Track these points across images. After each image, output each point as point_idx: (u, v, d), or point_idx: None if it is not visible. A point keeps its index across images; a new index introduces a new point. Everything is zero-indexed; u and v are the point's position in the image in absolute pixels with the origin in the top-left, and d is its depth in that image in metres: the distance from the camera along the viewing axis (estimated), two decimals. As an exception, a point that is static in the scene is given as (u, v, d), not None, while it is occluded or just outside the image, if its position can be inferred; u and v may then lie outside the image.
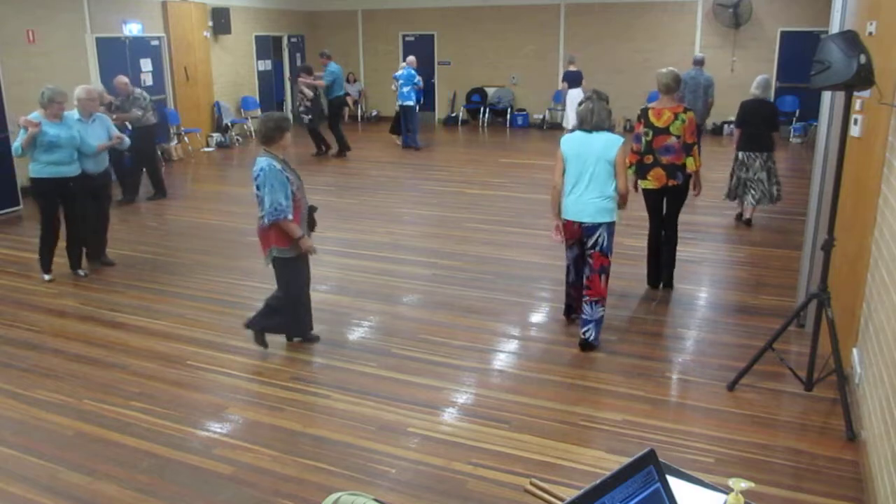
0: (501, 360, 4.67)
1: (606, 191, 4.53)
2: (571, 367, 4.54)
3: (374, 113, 16.88)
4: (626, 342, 4.86)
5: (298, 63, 15.35)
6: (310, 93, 11.73)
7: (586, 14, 14.87)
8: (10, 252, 7.12)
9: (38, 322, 5.33)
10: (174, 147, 12.22)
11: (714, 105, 11.33)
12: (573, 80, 13.02)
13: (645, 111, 5.47)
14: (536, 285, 5.93)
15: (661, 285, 5.81)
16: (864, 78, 3.29)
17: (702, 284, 6.01)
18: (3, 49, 9.07)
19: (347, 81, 16.64)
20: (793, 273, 5.68)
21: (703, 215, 7.83)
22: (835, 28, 4.48)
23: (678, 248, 5.77)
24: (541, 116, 15.55)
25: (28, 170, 6.02)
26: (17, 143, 5.81)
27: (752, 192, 7.49)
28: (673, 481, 1.44)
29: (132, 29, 11.47)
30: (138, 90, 9.00)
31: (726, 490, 1.53)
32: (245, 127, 14.35)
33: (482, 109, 15.95)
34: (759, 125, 7.33)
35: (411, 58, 13.25)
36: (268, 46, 15.37)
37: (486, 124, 15.94)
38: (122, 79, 8.87)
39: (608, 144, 4.51)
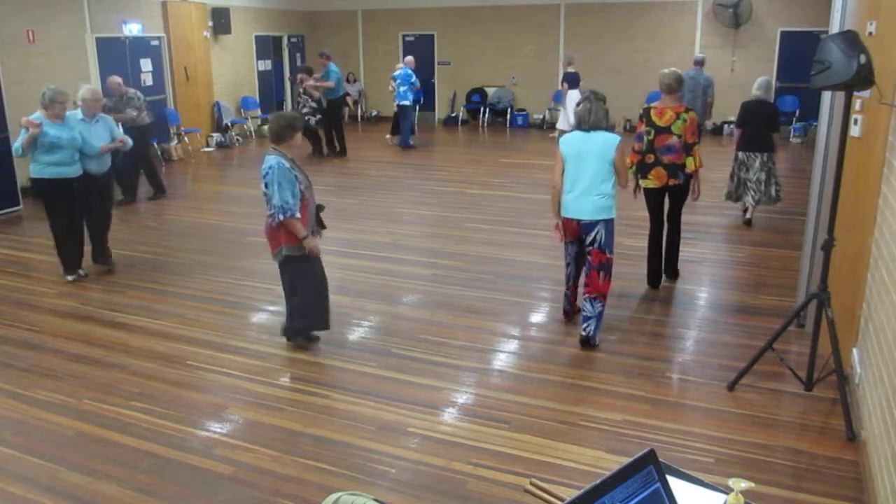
0: (501, 360, 4.67)
1: (605, 189, 4.58)
2: (571, 367, 4.55)
3: (374, 113, 16.88)
4: (626, 342, 4.86)
5: (298, 63, 15.36)
6: (317, 94, 11.74)
7: (586, 14, 14.87)
8: (10, 252, 7.12)
9: (38, 322, 5.33)
10: (174, 147, 12.22)
11: (714, 105, 11.36)
12: (572, 81, 13.03)
13: (647, 110, 5.51)
14: (536, 285, 5.93)
15: (668, 276, 5.90)
16: (864, 78, 3.29)
17: (702, 284, 6.01)
18: (3, 49, 9.08)
19: (347, 81, 16.65)
20: (793, 273, 5.68)
21: (703, 215, 7.83)
22: (835, 28, 4.48)
23: (680, 247, 5.81)
24: (541, 116, 15.56)
25: (29, 170, 6.01)
26: (17, 144, 5.80)
27: (752, 192, 7.52)
28: (673, 481, 1.44)
29: (132, 29, 11.47)
30: (132, 90, 8.95)
31: (726, 490, 1.53)
32: (245, 127, 14.35)
33: (482, 109, 15.95)
34: (759, 126, 7.36)
35: (409, 58, 13.26)
36: (268, 46, 15.37)
37: (486, 124, 15.94)
38: (115, 79, 8.81)
39: (606, 143, 4.56)
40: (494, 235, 7.40)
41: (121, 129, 8.16)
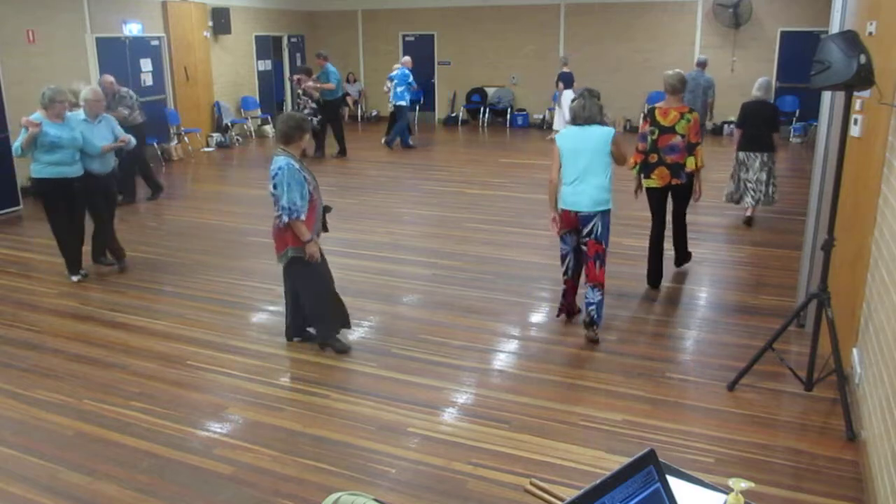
0: (501, 360, 4.67)
1: (602, 182, 4.70)
2: (571, 367, 4.55)
3: (374, 113, 16.89)
4: (626, 342, 4.86)
5: (298, 63, 15.36)
6: (316, 94, 11.74)
7: (586, 14, 14.86)
8: (10, 252, 7.12)
9: (38, 322, 5.33)
10: (174, 147, 12.22)
11: (714, 106, 11.36)
12: (567, 80, 13.09)
13: (652, 110, 5.59)
14: (536, 285, 5.93)
15: (680, 264, 6.12)
16: (864, 78, 3.29)
17: (702, 284, 6.01)
18: (3, 49, 9.08)
19: (347, 81, 16.66)
20: (793, 273, 5.68)
21: (703, 215, 7.83)
22: (835, 28, 4.48)
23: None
24: (541, 116, 15.55)
25: (30, 170, 6.00)
26: (17, 143, 5.80)
27: (752, 192, 7.54)
28: (673, 481, 1.44)
29: (132, 29, 11.47)
30: (124, 89, 8.91)
31: (726, 490, 1.53)
32: (245, 127, 14.35)
33: (482, 109, 15.95)
34: (759, 126, 7.39)
35: (406, 58, 13.26)
36: (268, 46, 15.37)
37: (486, 124, 15.94)
38: (108, 77, 8.77)
39: (602, 137, 4.69)
40: (494, 235, 7.40)
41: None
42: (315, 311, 4.72)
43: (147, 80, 11.82)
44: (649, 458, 1.36)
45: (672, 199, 5.71)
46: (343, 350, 4.71)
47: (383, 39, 16.64)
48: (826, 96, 4.55)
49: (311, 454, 3.58)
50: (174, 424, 3.87)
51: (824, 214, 4.28)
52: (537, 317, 5.38)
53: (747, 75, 12.07)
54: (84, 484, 3.34)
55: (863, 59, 3.25)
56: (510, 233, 7.49)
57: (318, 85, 11.79)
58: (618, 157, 4.76)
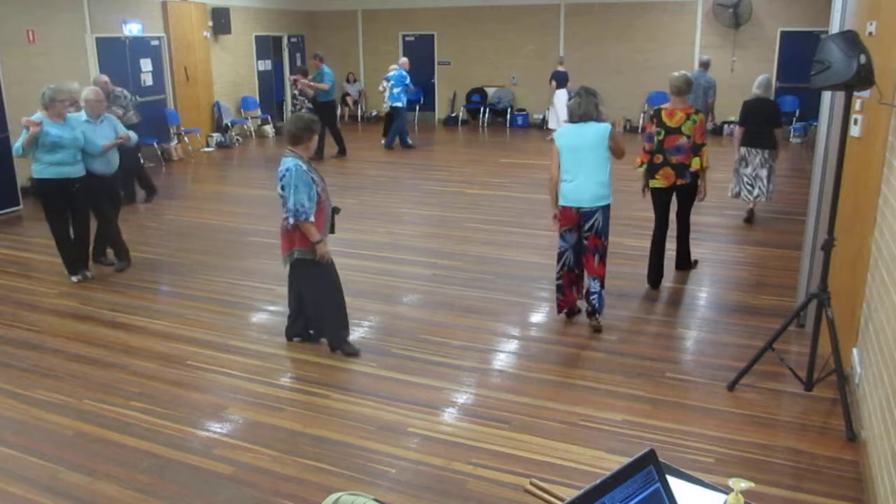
0: (501, 360, 4.67)
1: (602, 177, 4.78)
2: (571, 367, 4.55)
3: (374, 113, 16.88)
4: (626, 342, 4.86)
5: (298, 63, 15.36)
6: (311, 93, 11.75)
7: (586, 14, 14.86)
8: (10, 252, 7.12)
9: (38, 322, 5.33)
10: (174, 147, 12.22)
11: (715, 106, 11.36)
12: (561, 80, 13.10)
13: (658, 111, 5.64)
14: (536, 285, 5.93)
15: (683, 267, 6.16)
16: (864, 78, 3.29)
17: (702, 284, 6.02)
18: (3, 49, 9.08)
19: (347, 81, 16.67)
20: (793, 273, 5.68)
21: (704, 215, 7.82)
22: (835, 28, 4.48)
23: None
24: (541, 116, 15.55)
25: (31, 170, 6.00)
26: (18, 143, 5.79)
27: (748, 187, 7.60)
28: (673, 481, 1.44)
29: (132, 29, 11.47)
30: (119, 89, 8.85)
31: (726, 490, 1.53)
32: (245, 127, 14.35)
33: (482, 109, 15.95)
34: (760, 123, 7.43)
35: (403, 59, 13.27)
36: (268, 46, 15.37)
37: (486, 124, 15.94)
38: (103, 77, 8.70)
39: (599, 133, 4.77)
40: (494, 235, 7.40)
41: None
42: (318, 312, 4.72)
43: (147, 80, 11.82)
44: (649, 458, 1.36)
45: (677, 198, 5.75)
46: (353, 353, 4.67)
47: (383, 39, 16.64)
48: (826, 96, 4.55)
49: (311, 454, 3.58)
50: (174, 424, 3.87)
51: (824, 214, 4.28)
52: (537, 317, 5.38)
53: (747, 75, 12.05)
54: (84, 484, 3.34)
55: (863, 59, 3.25)
56: (510, 233, 7.49)
57: (313, 84, 11.79)
58: (616, 152, 4.82)
